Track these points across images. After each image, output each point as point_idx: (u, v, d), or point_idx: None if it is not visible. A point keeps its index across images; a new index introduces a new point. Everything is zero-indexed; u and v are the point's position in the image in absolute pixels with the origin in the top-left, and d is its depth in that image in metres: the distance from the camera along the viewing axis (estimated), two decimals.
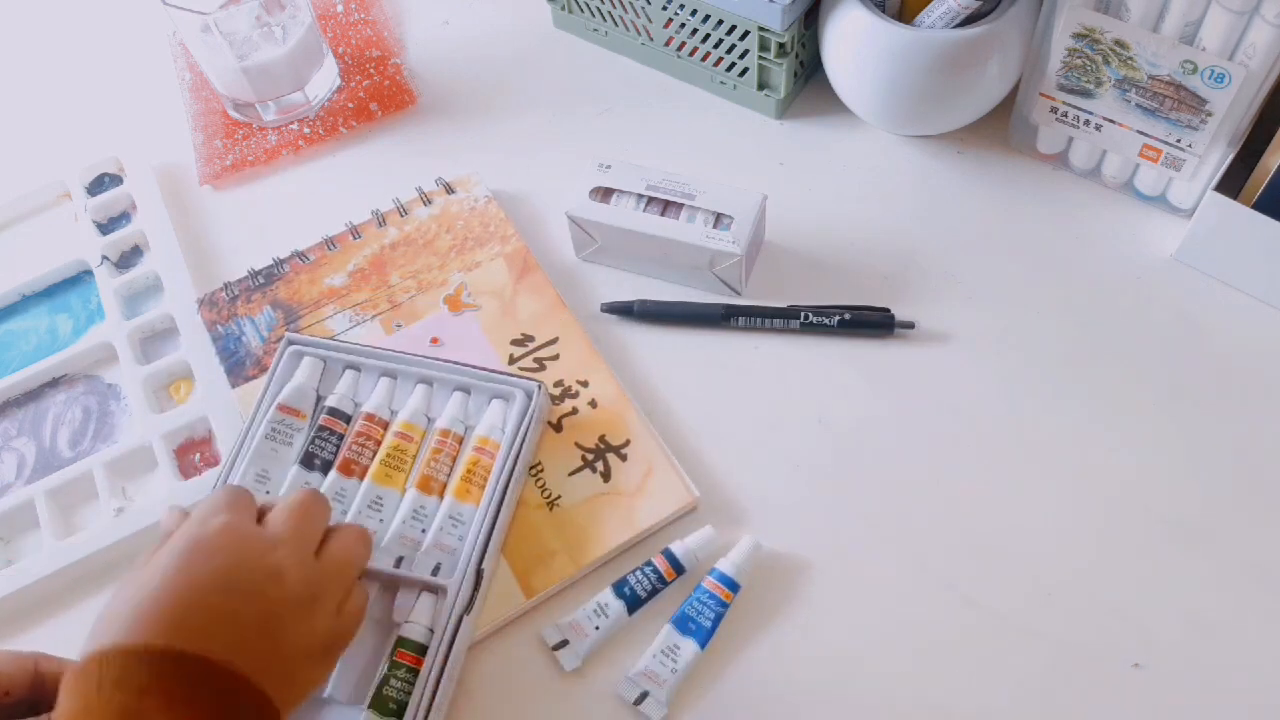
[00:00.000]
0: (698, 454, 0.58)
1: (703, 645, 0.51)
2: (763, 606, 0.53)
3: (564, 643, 0.52)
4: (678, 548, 0.53)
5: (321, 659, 0.44)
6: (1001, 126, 0.69)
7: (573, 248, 0.66)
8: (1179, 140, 0.60)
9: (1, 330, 0.67)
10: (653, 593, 0.53)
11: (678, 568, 0.53)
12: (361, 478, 0.55)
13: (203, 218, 0.72)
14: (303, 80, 0.73)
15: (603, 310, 0.64)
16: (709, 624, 0.51)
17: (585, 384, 0.60)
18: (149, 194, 0.71)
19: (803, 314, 0.61)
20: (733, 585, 0.52)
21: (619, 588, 0.53)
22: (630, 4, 0.73)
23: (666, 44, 0.73)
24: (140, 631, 0.37)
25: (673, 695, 0.50)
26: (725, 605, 0.52)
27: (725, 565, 0.53)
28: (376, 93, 0.76)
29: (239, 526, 0.43)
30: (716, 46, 0.70)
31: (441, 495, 0.55)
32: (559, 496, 0.56)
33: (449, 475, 0.55)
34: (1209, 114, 0.57)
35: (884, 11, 0.63)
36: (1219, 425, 0.57)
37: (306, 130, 0.74)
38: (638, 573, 0.53)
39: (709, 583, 0.52)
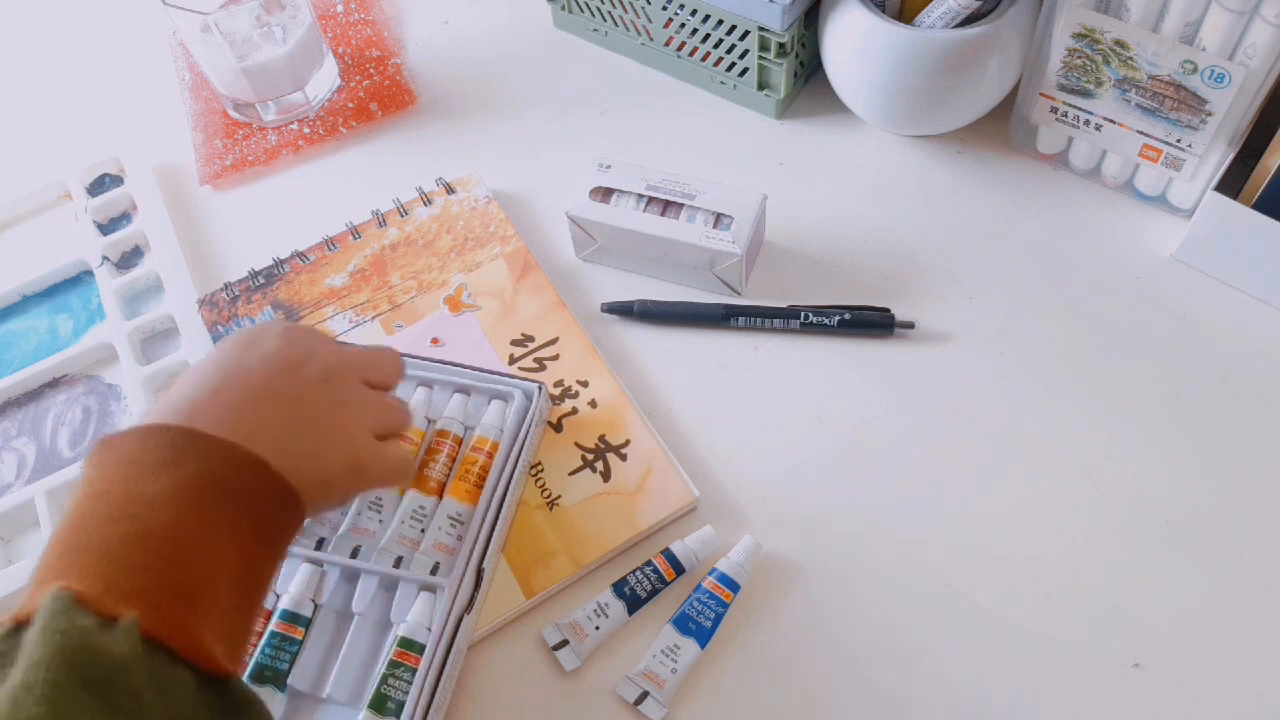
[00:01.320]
0: (698, 454, 0.58)
1: (703, 645, 0.51)
2: (763, 606, 0.53)
3: (564, 643, 0.52)
4: (678, 548, 0.53)
5: (348, 470, 0.44)
6: (1001, 126, 0.69)
7: (573, 248, 0.66)
8: (1179, 140, 0.60)
9: (2, 330, 0.67)
10: (653, 593, 0.53)
11: (678, 568, 0.53)
12: None
13: (203, 218, 0.72)
14: (303, 80, 0.73)
15: (603, 310, 0.64)
16: (709, 624, 0.51)
17: (585, 384, 0.60)
18: (149, 194, 0.71)
19: (803, 314, 0.61)
20: (733, 585, 0.52)
21: (619, 588, 0.53)
22: (630, 4, 0.73)
23: (666, 44, 0.73)
24: (154, 416, 0.40)
25: (673, 695, 0.50)
26: (725, 605, 0.52)
27: (725, 565, 0.53)
28: (376, 93, 0.76)
29: (296, 326, 0.46)
30: (716, 46, 0.70)
31: (440, 495, 0.55)
32: (559, 496, 0.56)
33: (447, 475, 0.55)
34: (1209, 114, 0.57)
35: (884, 11, 0.63)
36: (1218, 425, 0.57)
37: (306, 130, 0.74)
38: (638, 573, 0.53)
39: (709, 583, 0.52)
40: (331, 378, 0.45)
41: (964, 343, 0.61)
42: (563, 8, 0.77)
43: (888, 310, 0.61)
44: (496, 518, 0.53)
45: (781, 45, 0.67)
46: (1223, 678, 0.50)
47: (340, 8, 0.81)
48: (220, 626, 0.36)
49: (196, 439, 0.39)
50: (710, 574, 0.53)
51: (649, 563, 0.53)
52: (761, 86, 0.71)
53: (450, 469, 0.56)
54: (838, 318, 0.61)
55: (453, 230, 0.67)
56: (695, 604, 0.52)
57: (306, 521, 0.53)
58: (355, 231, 0.68)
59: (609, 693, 0.51)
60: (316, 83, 0.74)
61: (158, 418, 0.40)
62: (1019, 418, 0.58)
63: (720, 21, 0.68)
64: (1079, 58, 0.59)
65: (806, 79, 0.74)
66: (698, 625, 0.51)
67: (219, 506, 0.38)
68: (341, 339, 0.62)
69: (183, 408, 0.40)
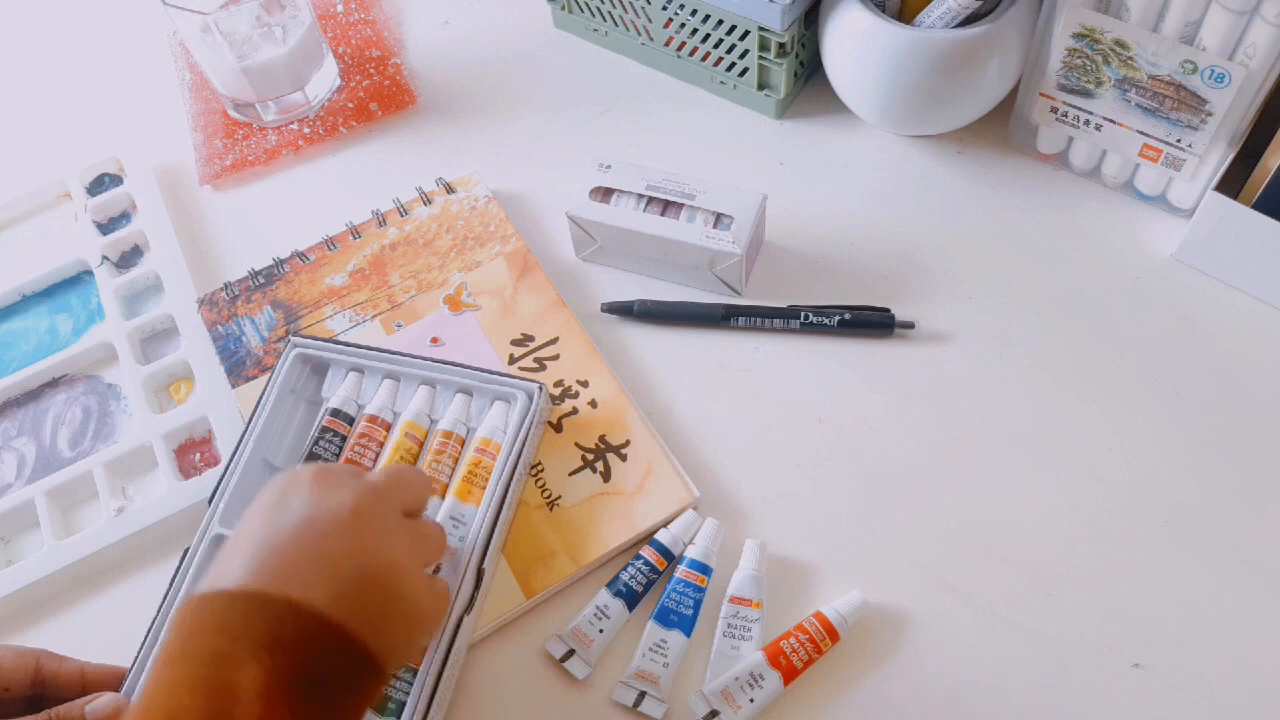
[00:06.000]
0: (698, 454, 0.58)
1: (688, 634, 0.51)
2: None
3: (570, 653, 0.52)
4: (664, 535, 0.54)
5: (411, 627, 0.42)
6: (1001, 126, 0.69)
7: (573, 248, 0.66)
8: (1179, 140, 0.60)
9: (1, 330, 0.67)
10: (648, 585, 0.53)
11: (667, 555, 0.53)
12: None
13: (203, 218, 0.72)
14: (303, 80, 0.73)
15: (603, 310, 0.64)
16: (690, 612, 0.52)
17: (585, 384, 0.60)
18: (149, 194, 0.71)
19: (803, 314, 0.61)
20: (705, 569, 0.53)
21: (614, 586, 0.53)
22: (630, 4, 0.73)
23: (666, 44, 0.73)
24: (237, 575, 0.38)
25: (670, 688, 0.50)
26: (702, 590, 0.52)
27: (694, 551, 0.53)
28: (376, 93, 0.76)
29: (320, 473, 0.43)
30: (716, 46, 0.70)
31: (443, 496, 0.55)
32: (559, 496, 0.56)
33: (451, 476, 0.55)
34: (1209, 114, 0.57)
35: (884, 11, 0.63)
36: (1218, 424, 0.57)
37: (306, 130, 0.74)
38: (630, 568, 0.53)
39: (683, 572, 0.53)
40: (373, 525, 0.41)
41: (964, 343, 0.61)
42: (563, 8, 0.77)
43: (888, 310, 0.61)
44: (497, 518, 0.53)
45: (781, 45, 0.67)
46: (1223, 678, 0.50)
47: (340, 8, 0.81)
48: None
49: (296, 614, 0.37)
50: (681, 563, 0.53)
51: (638, 556, 0.54)
52: (761, 86, 0.71)
53: (453, 469, 0.56)
54: (838, 318, 0.61)
55: (453, 230, 0.67)
56: (673, 595, 0.52)
57: None
58: (355, 231, 0.68)
59: (608, 691, 0.51)
60: (316, 83, 0.74)
61: (245, 577, 0.38)
62: (1019, 418, 0.58)
63: (720, 21, 0.68)
64: (1079, 58, 0.59)
65: (806, 79, 0.74)
66: (679, 615, 0.52)
67: (311, 698, 0.36)
68: (340, 338, 0.62)
69: (268, 561, 0.38)
